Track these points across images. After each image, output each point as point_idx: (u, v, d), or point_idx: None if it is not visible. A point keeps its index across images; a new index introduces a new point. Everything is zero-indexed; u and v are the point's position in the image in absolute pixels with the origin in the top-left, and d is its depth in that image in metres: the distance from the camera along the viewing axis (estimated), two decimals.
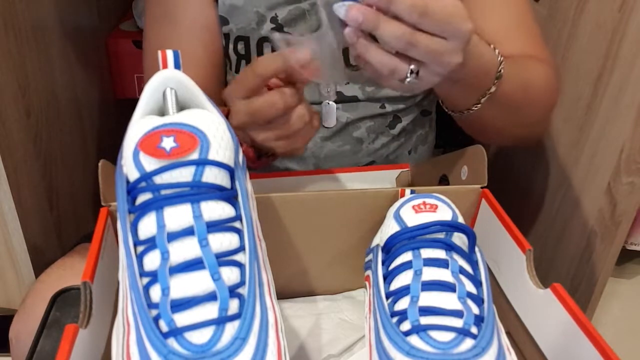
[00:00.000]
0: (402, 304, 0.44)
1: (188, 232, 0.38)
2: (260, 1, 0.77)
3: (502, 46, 0.73)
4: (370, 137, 0.84)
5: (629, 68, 0.78)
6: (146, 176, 0.39)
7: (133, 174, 0.40)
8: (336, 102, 0.81)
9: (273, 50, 0.79)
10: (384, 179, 0.60)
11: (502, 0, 0.78)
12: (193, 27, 0.79)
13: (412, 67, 0.52)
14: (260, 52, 0.80)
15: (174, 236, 0.38)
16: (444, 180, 0.64)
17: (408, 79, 0.52)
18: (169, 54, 0.43)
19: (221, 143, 0.41)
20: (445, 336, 0.41)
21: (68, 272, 0.73)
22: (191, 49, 0.78)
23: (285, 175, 0.61)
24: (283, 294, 0.61)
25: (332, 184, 0.61)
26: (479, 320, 0.43)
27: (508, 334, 0.54)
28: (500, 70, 0.64)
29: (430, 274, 0.45)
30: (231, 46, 0.81)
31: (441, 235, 0.47)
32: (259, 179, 0.61)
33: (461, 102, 0.67)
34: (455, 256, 0.46)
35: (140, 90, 0.43)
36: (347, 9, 0.50)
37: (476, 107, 0.66)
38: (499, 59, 0.63)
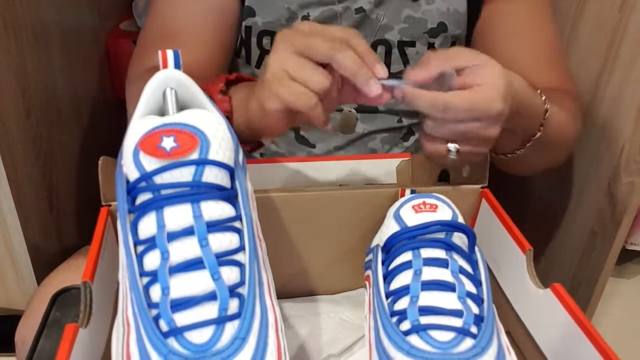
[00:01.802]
0: (402, 303, 0.44)
1: (188, 231, 0.38)
2: None
3: (530, 75, 0.73)
4: (384, 149, 0.85)
5: (629, 68, 0.78)
6: (146, 176, 0.39)
7: (133, 174, 0.40)
8: (356, 110, 0.81)
9: None
10: (384, 168, 0.60)
11: (531, 29, 0.78)
12: (208, 2, 0.77)
13: (450, 146, 0.53)
14: None
15: (174, 236, 0.38)
16: (444, 175, 0.63)
17: (450, 157, 0.53)
18: (169, 54, 0.43)
19: (221, 143, 0.41)
20: (445, 336, 0.41)
21: (73, 275, 0.73)
22: (201, 24, 0.77)
23: (282, 160, 0.61)
24: (283, 294, 0.61)
25: (332, 172, 0.61)
26: (478, 320, 0.43)
27: (508, 333, 0.54)
28: (547, 117, 0.63)
29: (430, 273, 0.45)
30: (254, 40, 0.79)
31: (441, 235, 0.47)
32: (255, 164, 0.60)
33: (505, 148, 0.66)
34: (455, 256, 0.46)
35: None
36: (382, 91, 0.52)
37: (519, 151, 0.65)
38: (545, 106, 0.63)
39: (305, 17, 0.77)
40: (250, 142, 0.65)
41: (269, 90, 0.52)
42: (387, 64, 0.80)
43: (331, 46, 0.50)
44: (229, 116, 0.58)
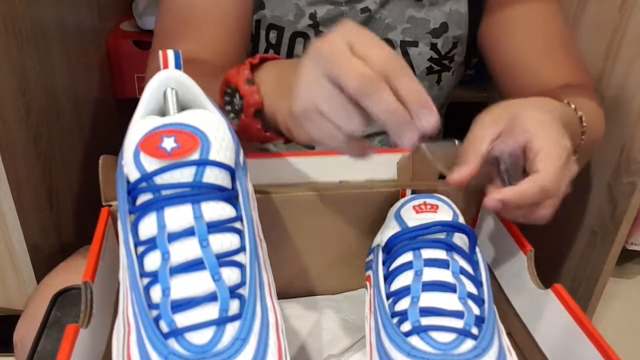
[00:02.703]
0: (403, 304, 0.44)
1: (189, 232, 0.38)
2: None
3: (542, 69, 0.72)
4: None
5: (629, 68, 0.78)
6: (147, 176, 0.39)
7: (134, 174, 0.40)
8: None
9: (306, 47, 0.78)
10: (384, 163, 0.60)
11: (538, 19, 0.78)
12: None
13: None
14: (292, 46, 0.79)
15: (174, 237, 0.38)
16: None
17: None
18: (170, 53, 0.43)
19: (222, 143, 0.41)
20: (446, 337, 0.41)
21: (72, 275, 0.73)
22: (220, 8, 0.75)
23: (281, 155, 0.60)
24: (283, 294, 0.61)
25: (331, 168, 0.61)
26: (479, 321, 0.43)
27: (509, 334, 0.54)
28: (584, 125, 0.62)
29: (431, 274, 0.45)
30: (263, 33, 0.80)
31: (442, 236, 0.47)
32: (255, 159, 0.60)
33: None
34: (456, 257, 0.46)
35: (141, 90, 0.43)
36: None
37: None
38: (578, 114, 0.62)
39: (313, 15, 0.77)
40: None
41: (298, 124, 0.47)
42: None
43: (364, 83, 0.41)
44: (259, 108, 0.53)
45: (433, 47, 0.80)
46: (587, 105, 0.67)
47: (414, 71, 0.81)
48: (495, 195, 0.48)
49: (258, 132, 0.54)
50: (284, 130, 0.51)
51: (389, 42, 0.79)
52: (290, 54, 0.80)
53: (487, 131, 0.50)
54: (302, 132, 0.47)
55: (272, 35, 0.79)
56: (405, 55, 0.80)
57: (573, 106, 0.61)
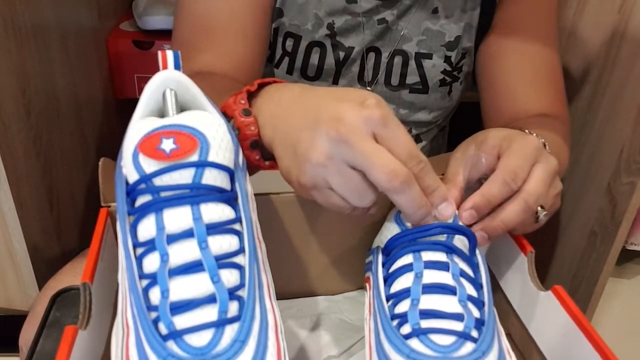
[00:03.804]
0: (403, 306, 0.44)
1: (188, 234, 0.38)
2: (321, 5, 0.77)
3: (522, 95, 0.72)
4: None
5: (628, 69, 0.78)
6: (146, 178, 0.39)
7: (132, 176, 0.40)
8: None
9: (321, 56, 0.78)
10: None
11: (533, 47, 0.79)
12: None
13: (539, 212, 0.51)
14: (308, 55, 0.79)
15: (173, 238, 0.38)
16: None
17: (541, 221, 0.52)
18: (169, 54, 0.43)
19: (221, 145, 0.40)
20: (446, 340, 0.41)
21: (78, 278, 0.72)
22: (239, 19, 0.74)
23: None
24: (283, 295, 0.61)
25: None
26: (479, 323, 0.42)
27: (508, 335, 0.54)
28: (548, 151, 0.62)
29: (431, 276, 0.45)
30: (280, 40, 0.80)
31: (442, 238, 0.47)
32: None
33: None
34: (456, 259, 0.46)
35: (140, 90, 0.43)
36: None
37: None
38: (540, 140, 0.60)
39: (331, 25, 0.77)
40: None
41: (303, 190, 0.46)
42: (404, 75, 0.80)
43: (397, 181, 0.41)
44: (256, 140, 0.49)
45: (447, 59, 0.80)
46: (552, 137, 0.68)
47: (427, 82, 0.81)
48: (466, 205, 0.49)
49: (257, 162, 0.50)
50: (283, 175, 0.48)
51: (403, 53, 0.79)
52: (306, 63, 0.80)
53: (459, 162, 0.52)
54: (307, 195, 0.46)
55: (289, 43, 0.79)
56: (420, 67, 0.80)
57: (534, 134, 0.58)
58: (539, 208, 0.50)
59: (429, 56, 0.80)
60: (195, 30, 0.75)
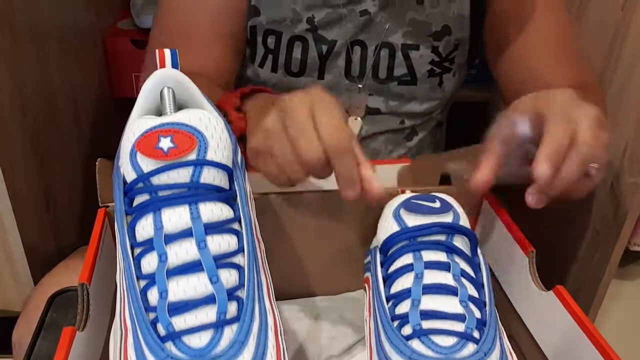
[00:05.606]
0: (403, 307, 0.43)
1: (186, 233, 0.38)
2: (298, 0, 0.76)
3: (547, 71, 0.72)
4: (387, 149, 0.85)
5: (631, 67, 0.78)
6: (143, 177, 0.38)
7: (130, 175, 0.39)
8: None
9: (304, 50, 0.78)
10: (384, 174, 0.60)
11: (542, 19, 0.77)
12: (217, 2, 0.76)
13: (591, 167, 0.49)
14: (290, 50, 0.79)
15: (171, 238, 0.38)
16: (445, 178, 0.63)
17: (595, 179, 0.50)
18: (167, 52, 0.42)
19: (219, 143, 0.40)
20: (447, 341, 0.40)
21: (71, 275, 0.72)
22: (217, 24, 0.76)
23: None
24: (282, 295, 0.61)
25: (331, 179, 0.61)
26: (481, 324, 0.42)
27: (510, 336, 0.54)
28: None
29: (432, 277, 0.44)
30: (259, 38, 0.79)
31: (442, 238, 0.47)
32: (255, 172, 0.60)
33: None
34: (457, 259, 0.46)
35: (138, 89, 0.42)
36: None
37: None
38: None
39: (311, 19, 0.77)
40: None
41: (250, 156, 0.51)
42: (391, 68, 0.80)
43: (315, 164, 0.47)
44: (243, 134, 0.54)
45: (434, 50, 0.79)
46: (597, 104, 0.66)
47: (415, 74, 0.80)
48: (539, 157, 0.46)
49: (243, 154, 0.52)
50: (247, 152, 0.53)
51: (389, 45, 0.79)
52: (289, 58, 0.79)
53: (493, 133, 0.51)
54: (253, 163, 0.51)
55: (270, 40, 0.79)
56: (407, 58, 0.79)
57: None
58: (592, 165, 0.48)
59: (415, 47, 0.79)
60: (173, 35, 0.76)
